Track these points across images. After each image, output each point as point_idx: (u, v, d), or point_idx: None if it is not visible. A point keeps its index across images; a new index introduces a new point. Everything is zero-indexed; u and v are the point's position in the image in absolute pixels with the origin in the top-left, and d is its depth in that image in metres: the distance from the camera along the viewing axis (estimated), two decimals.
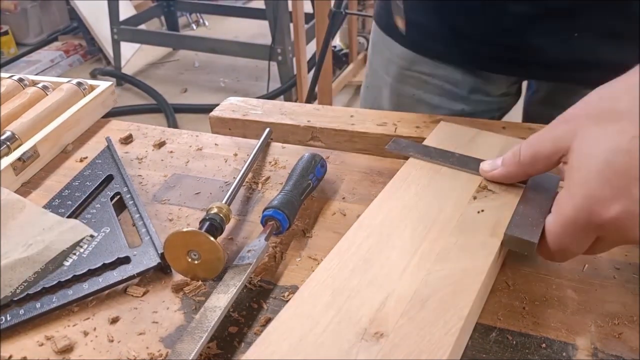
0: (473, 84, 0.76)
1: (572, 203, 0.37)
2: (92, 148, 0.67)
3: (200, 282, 0.46)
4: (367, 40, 2.34)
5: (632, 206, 0.34)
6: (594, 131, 0.37)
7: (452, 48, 0.73)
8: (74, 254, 0.49)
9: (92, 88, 0.73)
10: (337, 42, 2.91)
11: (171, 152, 0.65)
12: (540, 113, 0.79)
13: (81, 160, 0.64)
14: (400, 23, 0.76)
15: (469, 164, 0.50)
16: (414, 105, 0.79)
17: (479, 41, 0.70)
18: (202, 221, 0.48)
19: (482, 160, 0.49)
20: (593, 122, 0.38)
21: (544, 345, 0.39)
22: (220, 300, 0.42)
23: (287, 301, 0.44)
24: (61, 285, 0.46)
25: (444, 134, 0.57)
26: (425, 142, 0.55)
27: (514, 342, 0.40)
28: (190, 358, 0.37)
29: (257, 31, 3.50)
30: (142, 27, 3.41)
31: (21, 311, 0.44)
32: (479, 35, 0.70)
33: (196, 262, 0.45)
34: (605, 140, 0.36)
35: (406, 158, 0.53)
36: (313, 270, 0.47)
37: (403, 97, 0.81)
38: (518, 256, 0.46)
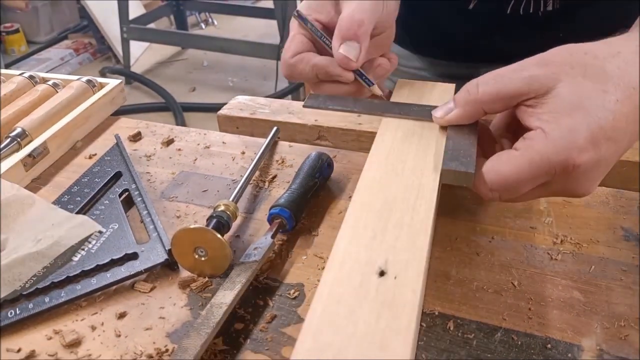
0: (464, 73, 0.78)
1: (553, 145, 0.37)
2: (102, 145, 0.67)
3: (206, 279, 0.46)
4: None
5: (597, 160, 0.37)
6: (582, 83, 0.38)
7: (436, 46, 0.76)
8: (83, 249, 0.49)
9: (102, 86, 0.74)
10: None
11: (179, 149, 0.66)
12: None
13: (90, 157, 0.65)
14: None
15: (405, 109, 0.50)
16: None
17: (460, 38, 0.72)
18: (209, 218, 0.48)
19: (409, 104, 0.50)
20: (580, 74, 0.39)
21: (549, 345, 0.39)
22: (226, 296, 0.42)
23: (293, 299, 0.44)
24: (70, 280, 0.46)
25: (402, 91, 0.55)
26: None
27: (519, 343, 0.40)
28: (196, 353, 0.37)
29: (265, 31, 3.51)
30: (152, 26, 3.42)
31: (30, 305, 0.44)
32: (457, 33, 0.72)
33: (203, 258, 0.46)
34: (595, 97, 0.38)
35: None
36: (319, 269, 0.47)
37: None
38: (520, 257, 0.46)
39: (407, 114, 0.49)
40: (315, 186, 0.54)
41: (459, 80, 0.79)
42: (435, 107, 0.47)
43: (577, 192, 0.40)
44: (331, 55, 0.48)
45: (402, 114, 0.49)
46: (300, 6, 0.52)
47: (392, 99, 0.53)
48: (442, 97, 0.53)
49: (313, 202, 0.55)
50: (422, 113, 0.49)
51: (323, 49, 0.51)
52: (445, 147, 0.43)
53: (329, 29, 0.50)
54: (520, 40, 0.68)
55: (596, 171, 0.39)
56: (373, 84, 0.50)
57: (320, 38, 0.50)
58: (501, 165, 0.39)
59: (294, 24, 0.51)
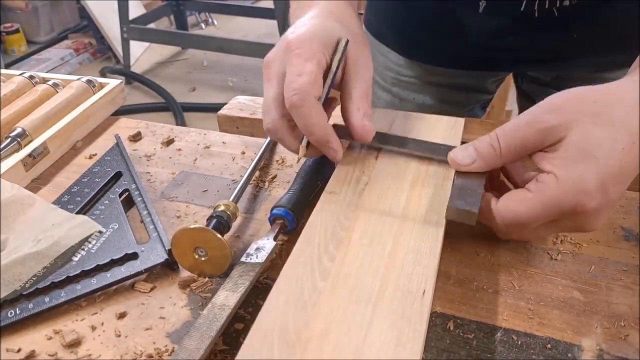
0: (469, 84, 0.79)
1: (564, 190, 0.40)
2: (102, 145, 0.67)
3: (207, 279, 0.46)
4: None
5: (605, 204, 0.40)
6: (592, 131, 0.40)
7: (441, 52, 0.75)
8: (83, 249, 0.49)
9: (102, 86, 0.74)
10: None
11: (179, 149, 0.66)
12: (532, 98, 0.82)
13: (90, 157, 0.65)
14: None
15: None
16: (417, 109, 0.81)
17: (466, 45, 0.72)
18: (209, 218, 0.48)
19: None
20: (590, 122, 0.41)
21: (549, 345, 0.39)
22: (229, 298, 0.42)
23: None
24: (70, 280, 0.46)
25: (375, 117, 0.57)
26: None
27: (519, 343, 0.40)
28: (199, 357, 0.37)
29: (265, 31, 3.51)
30: (152, 26, 3.42)
31: (30, 305, 0.44)
32: (462, 36, 0.71)
33: (203, 258, 0.46)
34: (604, 145, 0.40)
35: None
36: None
37: (404, 101, 0.82)
38: (520, 256, 0.46)
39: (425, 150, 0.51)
40: (317, 187, 0.53)
41: (464, 92, 0.80)
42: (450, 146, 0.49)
43: (584, 229, 0.42)
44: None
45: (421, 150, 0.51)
46: (302, 36, 0.47)
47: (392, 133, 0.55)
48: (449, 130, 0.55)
49: (314, 202, 0.55)
50: (438, 151, 0.50)
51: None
52: (453, 186, 0.46)
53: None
54: (534, 41, 0.68)
55: (604, 212, 0.41)
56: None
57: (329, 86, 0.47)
58: (515, 205, 0.42)
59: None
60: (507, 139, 0.43)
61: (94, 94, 0.72)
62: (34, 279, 0.46)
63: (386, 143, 0.52)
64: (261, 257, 0.46)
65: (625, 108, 0.41)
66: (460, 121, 0.56)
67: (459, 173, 0.47)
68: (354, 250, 0.41)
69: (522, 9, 0.64)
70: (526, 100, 0.84)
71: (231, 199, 0.51)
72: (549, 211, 0.40)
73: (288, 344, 0.34)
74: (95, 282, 0.46)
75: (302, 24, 0.48)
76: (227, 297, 0.42)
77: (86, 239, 0.50)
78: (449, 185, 0.47)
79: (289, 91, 0.44)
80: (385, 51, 0.81)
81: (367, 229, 0.43)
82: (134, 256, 0.48)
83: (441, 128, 0.55)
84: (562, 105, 0.42)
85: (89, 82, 0.72)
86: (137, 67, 3.32)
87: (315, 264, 0.40)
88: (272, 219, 0.50)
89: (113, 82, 0.74)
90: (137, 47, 3.34)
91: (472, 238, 0.49)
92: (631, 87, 0.42)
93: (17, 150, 0.61)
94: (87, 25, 3.56)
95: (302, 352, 0.34)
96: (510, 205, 0.42)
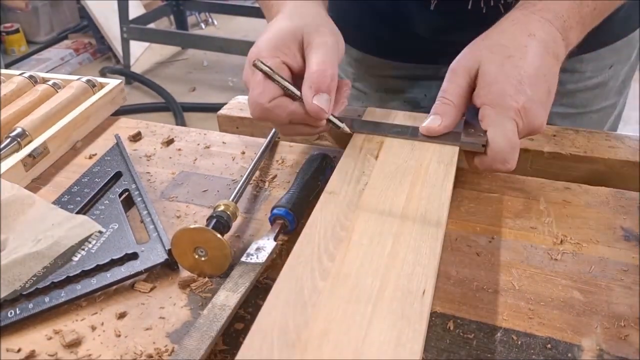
0: (425, 73, 0.80)
1: (495, 110, 0.49)
2: (102, 145, 0.67)
3: (207, 279, 0.46)
4: None
5: (530, 99, 0.49)
6: (498, 59, 0.50)
7: (395, 46, 0.78)
8: (83, 249, 0.49)
9: (102, 86, 0.74)
10: None
11: (179, 150, 0.66)
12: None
13: (90, 157, 0.65)
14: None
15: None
16: (377, 100, 0.83)
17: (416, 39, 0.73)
18: (209, 218, 0.48)
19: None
20: (495, 54, 0.51)
21: (549, 345, 0.39)
22: (230, 298, 0.42)
23: None
24: (70, 280, 0.46)
25: (371, 118, 0.60)
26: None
27: (519, 342, 0.40)
28: (199, 357, 0.37)
29: None
30: (152, 26, 3.42)
31: (30, 305, 0.44)
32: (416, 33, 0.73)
33: (203, 258, 0.46)
34: (508, 66, 0.49)
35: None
36: None
37: (367, 94, 0.84)
38: (520, 256, 0.46)
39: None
40: (317, 187, 0.53)
41: (423, 80, 0.81)
42: None
43: (534, 126, 0.49)
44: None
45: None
46: (262, 43, 0.51)
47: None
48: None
49: (314, 202, 0.55)
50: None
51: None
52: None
53: (294, 74, 0.51)
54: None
55: (537, 107, 0.49)
56: (342, 125, 0.54)
57: (286, 90, 0.50)
58: (500, 137, 0.49)
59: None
60: (451, 94, 0.52)
61: (94, 94, 0.72)
62: (34, 279, 0.46)
63: (362, 128, 0.56)
64: (261, 257, 0.46)
65: (515, 43, 0.50)
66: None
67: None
68: (354, 250, 0.41)
69: (469, 7, 0.67)
70: None
71: (231, 199, 0.51)
72: (512, 124, 0.48)
73: (288, 344, 0.34)
74: (95, 282, 0.46)
75: (265, 31, 0.53)
76: (228, 297, 0.42)
77: (86, 239, 0.50)
78: (448, 185, 0.47)
79: (250, 108, 0.51)
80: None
81: (367, 229, 0.43)
82: (133, 256, 0.48)
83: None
84: (469, 47, 0.53)
85: (89, 82, 0.72)
86: (137, 67, 3.32)
87: (315, 264, 0.40)
88: (273, 219, 0.50)
89: (113, 82, 0.74)
90: (137, 47, 3.34)
91: (472, 238, 0.49)
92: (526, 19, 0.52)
93: (17, 150, 0.61)
94: (87, 25, 3.56)
95: (302, 352, 0.34)
96: (494, 142, 0.49)
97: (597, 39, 0.63)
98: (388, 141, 0.54)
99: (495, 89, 0.49)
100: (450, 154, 0.52)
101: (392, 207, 0.45)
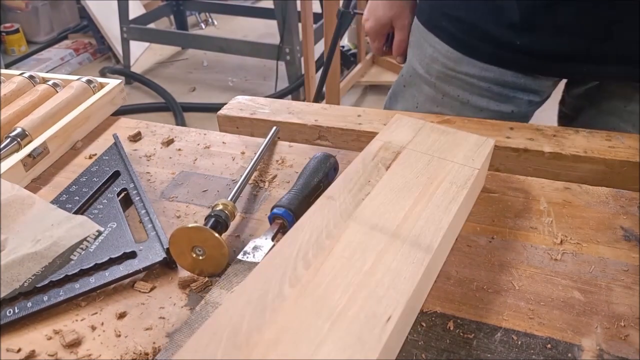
0: (524, 84, 0.73)
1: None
2: (101, 145, 0.67)
3: (206, 279, 0.46)
4: None
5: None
6: None
7: (504, 49, 0.70)
8: (82, 248, 0.49)
9: (102, 86, 0.74)
10: (345, 42, 2.90)
11: (179, 150, 0.65)
12: (576, 113, 0.79)
13: (90, 157, 0.65)
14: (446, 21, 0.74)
15: None
16: (459, 107, 0.77)
17: (532, 41, 0.67)
18: (207, 217, 0.48)
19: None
20: None
21: (549, 345, 0.39)
22: (223, 296, 0.42)
23: None
24: (68, 279, 0.46)
25: (396, 126, 0.56)
26: (378, 136, 0.54)
27: (519, 343, 0.40)
28: None
29: (265, 31, 3.51)
30: (151, 26, 3.42)
31: (29, 304, 0.44)
32: (533, 34, 0.66)
33: (201, 257, 0.46)
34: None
35: None
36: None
37: (447, 96, 0.78)
38: (520, 256, 0.46)
39: None
40: (319, 189, 0.53)
41: (512, 90, 0.74)
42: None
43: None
44: None
45: None
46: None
47: (411, 146, 0.53)
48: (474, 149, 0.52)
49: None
50: None
51: None
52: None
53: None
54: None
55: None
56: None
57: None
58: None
59: None
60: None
61: (94, 93, 0.72)
62: (33, 277, 0.46)
63: None
64: (258, 256, 0.46)
65: None
66: (490, 142, 0.53)
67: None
68: (332, 261, 0.39)
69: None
70: (564, 119, 0.83)
71: (229, 198, 0.51)
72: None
73: (235, 345, 0.33)
74: (93, 281, 0.46)
75: None
76: (221, 294, 0.42)
77: (85, 239, 0.50)
78: (453, 208, 0.45)
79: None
80: (434, 42, 0.76)
81: (353, 242, 0.41)
82: (132, 255, 0.48)
83: (466, 146, 0.52)
84: None
85: (89, 82, 0.72)
86: (137, 67, 3.32)
87: (289, 269, 0.39)
88: (272, 219, 0.50)
89: (113, 82, 0.74)
90: (137, 47, 3.34)
91: (472, 238, 0.49)
92: None
93: (17, 150, 0.61)
94: (87, 25, 3.56)
95: (246, 357, 0.33)
96: None
97: None
98: (406, 152, 0.51)
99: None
100: (466, 175, 0.48)
101: (387, 223, 0.43)
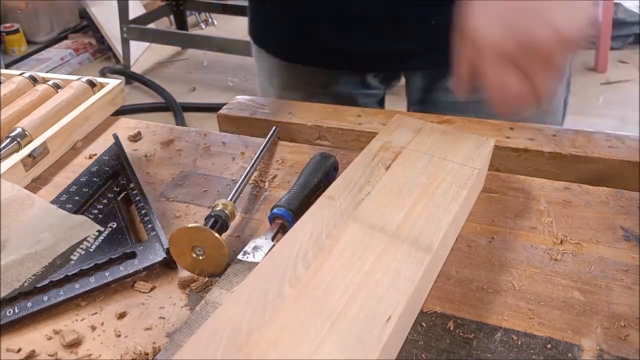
0: (360, 84, 0.81)
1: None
2: (102, 145, 0.67)
3: (206, 279, 0.46)
4: None
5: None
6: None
7: (309, 52, 0.77)
8: (82, 248, 0.49)
9: (102, 86, 0.74)
10: None
11: (179, 150, 0.65)
12: (422, 99, 0.83)
13: (90, 157, 0.65)
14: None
15: None
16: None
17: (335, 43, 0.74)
18: (207, 217, 0.48)
19: None
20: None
21: (549, 345, 0.39)
22: (223, 296, 0.42)
23: None
24: (68, 279, 0.46)
25: (396, 126, 0.56)
26: (378, 136, 0.54)
27: (519, 343, 0.40)
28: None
29: None
30: (151, 26, 3.41)
31: (29, 304, 0.44)
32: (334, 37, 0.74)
33: (201, 257, 0.46)
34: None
35: None
36: None
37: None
38: (520, 256, 0.46)
39: None
40: (319, 189, 0.53)
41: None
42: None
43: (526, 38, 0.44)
44: None
45: None
46: None
47: (411, 146, 0.53)
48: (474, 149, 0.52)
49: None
50: None
51: None
52: None
53: None
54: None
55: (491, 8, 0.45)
56: None
57: None
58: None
59: None
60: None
61: (94, 94, 0.72)
62: (33, 277, 0.46)
63: None
64: (258, 256, 0.46)
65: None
66: (490, 142, 0.53)
67: None
68: (332, 261, 0.39)
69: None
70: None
71: (229, 198, 0.51)
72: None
73: (235, 345, 0.33)
74: (93, 281, 0.46)
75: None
76: (221, 294, 0.42)
77: (85, 239, 0.50)
78: (453, 208, 0.45)
79: None
80: (267, 57, 0.84)
81: (353, 242, 0.41)
82: (132, 255, 0.48)
83: (466, 146, 0.52)
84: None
85: (89, 82, 0.72)
86: (137, 67, 3.32)
87: (288, 269, 0.39)
88: (272, 219, 0.50)
89: (113, 82, 0.74)
90: (137, 47, 3.34)
91: (472, 238, 0.49)
92: None
93: (17, 150, 0.61)
94: (87, 25, 3.56)
95: (246, 357, 0.33)
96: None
97: None
98: (406, 152, 0.51)
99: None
100: (466, 175, 0.48)
101: (387, 223, 0.43)
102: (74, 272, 0.46)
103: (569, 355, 0.39)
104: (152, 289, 0.46)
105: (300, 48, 0.78)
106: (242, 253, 0.47)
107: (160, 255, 0.47)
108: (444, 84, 0.76)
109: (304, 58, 0.79)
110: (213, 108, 2.65)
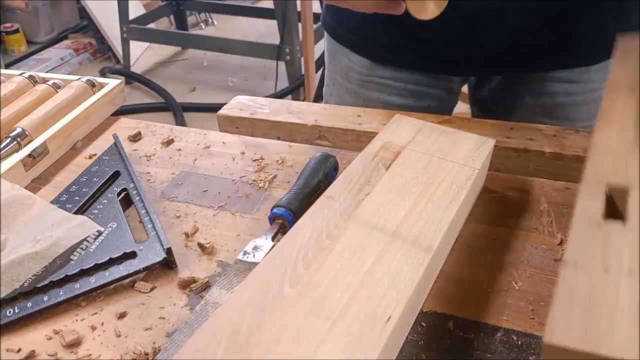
0: (435, 83, 0.79)
1: None
2: (102, 145, 0.67)
3: (206, 279, 0.46)
4: None
5: None
6: None
7: (407, 55, 0.75)
8: (82, 248, 0.49)
9: (102, 86, 0.74)
10: None
11: (179, 150, 0.65)
12: (487, 106, 0.83)
13: (90, 157, 0.65)
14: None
15: None
16: (381, 108, 0.79)
17: (432, 46, 0.72)
18: None
19: None
20: None
21: None
22: (222, 296, 0.42)
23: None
24: (68, 279, 0.46)
25: (396, 126, 0.56)
26: (378, 136, 0.54)
27: (519, 343, 0.40)
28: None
29: (265, 31, 3.51)
30: (151, 26, 3.42)
31: (29, 304, 0.44)
32: (432, 40, 0.72)
33: None
34: None
35: None
36: None
37: (368, 101, 0.81)
38: (520, 256, 0.46)
39: None
40: (319, 189, 0.53)
41: (426, 87, 0.78)
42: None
43: None
44: None
45: None
46: None
47: (411, 146, 0.53)
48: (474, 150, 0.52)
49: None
50: None
51: None
52: None
53: None
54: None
55: None
56: None
57: None
58: None
59: None
60: None
61: (94, 94, 0.72)
62: (33, 278, 0.46)
63: None
64: (258, 256, 0.46)
65: None
66: (490, 142, 0.53)
67: None
68: (332, 261, 0.39)
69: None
70: (478, 110, 0.85)
71: None
72: None
73: (235, 345, 0.33)
74: (93, 281, 0.46)
75: None
76: (221, 294, 0.42)
77: (85, 239, 0.50)
78: (454, 208, 0.45)
79: None
80: (346, 53, 0.81)
81: (353, 242, 0.41)
82: (132, 255, 0.48)
83: (466, 146, 0.52)
84: None
85: (88, 82, 0.72)
86: (137, 67, 3.32)
87: (289, 269, 0.38)
88: (272, 219, 0.50)
89: (113, 82, 0.74)
90: (137, 47, 3.34)
91: (472, 238, 0.49)
92: None
93: (17, 150, 0.61)
94: (87, 25, 3.56)
95: (246, 357, 0.33)
96: None
97: (607, 48, 0.58)
98: (406, 152, 0.51)
99: None
100: (466, 175, 0.48)
101: (387, 223, 0.43)
102: (74, 272, 0.46)
103: None
104: (152, 289, 0.46)
105: (406, 54, 0.76)
106: (242, 253, 0.47)
107: (160, 255, 0.47)
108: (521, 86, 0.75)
109: (410, 64, 0.77)
110: (213, 108, 2.65)
